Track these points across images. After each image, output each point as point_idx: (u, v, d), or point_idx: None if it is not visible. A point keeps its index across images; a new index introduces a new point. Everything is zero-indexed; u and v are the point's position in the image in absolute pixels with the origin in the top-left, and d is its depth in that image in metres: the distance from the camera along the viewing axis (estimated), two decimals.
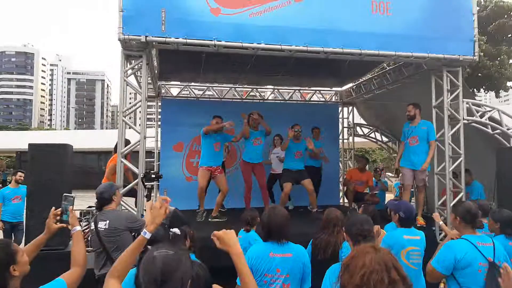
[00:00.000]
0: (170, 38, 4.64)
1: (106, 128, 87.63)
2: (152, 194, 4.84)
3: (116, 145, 6.08)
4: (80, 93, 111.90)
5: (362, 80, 8.57)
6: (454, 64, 5.68)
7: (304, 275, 2.77)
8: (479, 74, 20.51)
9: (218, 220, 6.25)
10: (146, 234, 1.90)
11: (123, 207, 4.87)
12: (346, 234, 2.56)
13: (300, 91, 9.60)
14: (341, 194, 9.47)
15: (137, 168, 4.87)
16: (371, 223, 2.56)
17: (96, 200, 3.55)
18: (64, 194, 2.42)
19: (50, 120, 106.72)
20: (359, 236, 2.45)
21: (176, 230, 3.02)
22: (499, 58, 20.49)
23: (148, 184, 4.41)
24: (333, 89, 9.70)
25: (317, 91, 9.60)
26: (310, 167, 7.43)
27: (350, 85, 9.17)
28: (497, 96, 23.18)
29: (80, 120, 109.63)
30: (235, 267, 1.86)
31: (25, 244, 2.47)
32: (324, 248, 3.46)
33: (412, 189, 7.17)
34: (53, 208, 2.41)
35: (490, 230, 3.69)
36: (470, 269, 2.69)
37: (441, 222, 4.35)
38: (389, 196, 9.44)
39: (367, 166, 8.38)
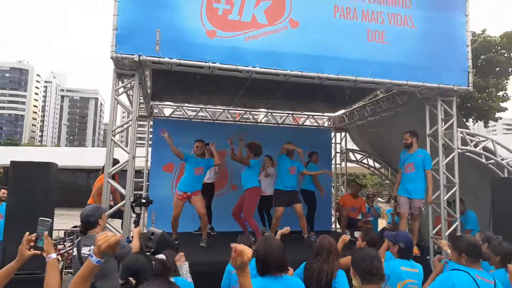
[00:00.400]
0: (164, 58, 4.58)
1: (98, 146, 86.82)
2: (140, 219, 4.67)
3: (104, 166, 5.94)
4: (73, 111, 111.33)
5: (355, 106, 8.59)
6: (448, 93, 5.70)
7: None
8: (468, 105, 20.94)
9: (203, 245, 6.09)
10: (96, 261, 1.64)
11: (108, 230, 4.68)
12: (353, 270, 2.38)
13: (293, 115, 9.59)
14: (333, 219, 9.33)
15: (124, 188, 4.72)
16: (380, 259, 2.41)
17: (80, 223, 3.37)
18: (40, 218, 2.21)
19: (41, 136, 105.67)
20: (368, 274, 2.26)
21: (162, 256, 2.87)
22: (487, 91, 20.98)
23: (137, 209, 4.24)
24: (326, 114, 9.71)
25: (310, 116, 9.59)
26: (307, 191, 7.30)
27: (343, 111, 9.19)
28: (486, 126, 23.56)
29: (71, 137, 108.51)
30: None
31: (2, 267, 2.31)
32: (316, 277, 3.26)
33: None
34: (27, 233, 2.23)
35: (489, 263, 3.57)
36: None
37: (449, 251, 4.18)
38: (381, 222, 9.31)
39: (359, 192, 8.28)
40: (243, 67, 4.81)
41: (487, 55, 21.23)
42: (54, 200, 4.56)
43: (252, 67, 4.82)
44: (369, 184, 31.64)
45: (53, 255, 2.11)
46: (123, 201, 4.70)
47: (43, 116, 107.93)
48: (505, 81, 22.33)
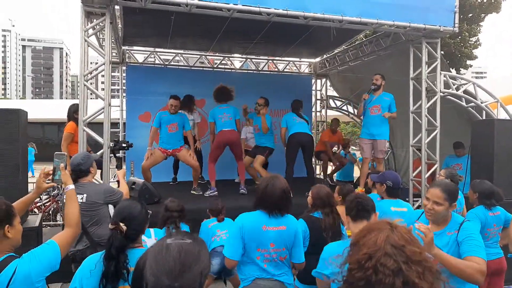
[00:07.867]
0: None
1: (66, 98, 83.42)
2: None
3: (69, 112, 5.61)
4: (37, 62, 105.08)
5: (337, 51, 8.37)
6: (433, 35, 5.58)
7: (296, 246, 2.57)
8: (442, 52, 20.98)
9: (195, 193, 6.07)
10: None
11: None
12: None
13: (274, 61, 9.29)
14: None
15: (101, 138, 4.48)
16: (366, 196, 2.41)
17: (71, 172, 3.26)
18: (56, 152, 2.34)
19: (4, 89, 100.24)
20: (360, 210, 2.30)
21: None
22: (460, 36, 20.95)
23: (117, 153, 4.22)
24: (307, 60, 9.46)
25: (290, 62, 9.33)
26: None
27: (324, 56, 8.96)
28: (457, 73, 23.88)
29: (37, 89, 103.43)
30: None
31: None
32: (330, 229, 3.01)
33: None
34: (44, 167, 2.36)
35: (470, 200, 3.68)
36: None
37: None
38: (356, 169, 9.47)
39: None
40: (224, 4, 4.47)
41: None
42: (25, 150, 4.28)
43: (234, 4, 4.48)
44: (343, 133, 32.29)
45: (71, 186, 2.23)
46: (101, 151, 4.47)
47: (4, 68, 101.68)
48: (478, 28, 22.35)
